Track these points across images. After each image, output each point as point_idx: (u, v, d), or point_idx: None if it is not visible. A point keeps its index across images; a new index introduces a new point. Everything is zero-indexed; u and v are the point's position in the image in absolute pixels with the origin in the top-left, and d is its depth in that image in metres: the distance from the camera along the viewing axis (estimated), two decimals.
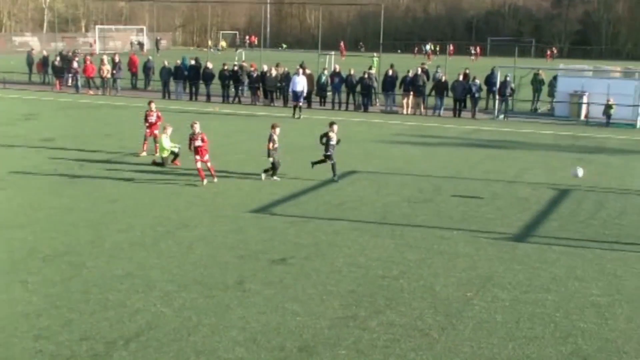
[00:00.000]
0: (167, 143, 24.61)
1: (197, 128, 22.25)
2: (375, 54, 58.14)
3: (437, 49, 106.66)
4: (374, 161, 26.35)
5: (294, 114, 38.36)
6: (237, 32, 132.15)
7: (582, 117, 40.15)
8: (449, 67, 48.23)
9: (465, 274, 14.46)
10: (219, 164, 24.23)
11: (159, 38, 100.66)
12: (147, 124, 26.50)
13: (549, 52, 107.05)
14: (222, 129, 33.70)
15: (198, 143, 21.89)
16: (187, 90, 47.48)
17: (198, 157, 21.85)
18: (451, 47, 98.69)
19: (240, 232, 16.95)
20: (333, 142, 22.71)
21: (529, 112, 43.83)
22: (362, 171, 24.41)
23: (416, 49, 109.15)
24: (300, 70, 40.50)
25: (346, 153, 27.74)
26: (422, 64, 47.15)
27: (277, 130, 22.84)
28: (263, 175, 22.66)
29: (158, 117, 26.63)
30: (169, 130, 24.85)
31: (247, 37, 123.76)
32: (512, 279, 14.27)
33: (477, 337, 11.49)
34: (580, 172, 19.10)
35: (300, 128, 33.71)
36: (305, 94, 40.01)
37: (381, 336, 11.42)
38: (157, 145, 25.79)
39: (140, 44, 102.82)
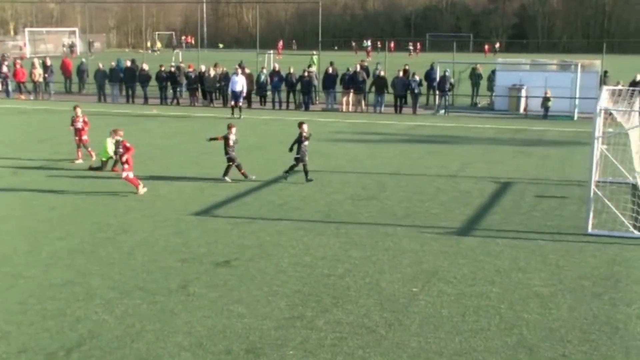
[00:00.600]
0: (111, 148, 23.81)
1: (120, 136, 21.18)
2: (314, 52, 58.14)
3: (379, 45, 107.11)
4: (316, 160, 26.21)
5: (232, 113, 38.06)
6: (173, 33, 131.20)
7: (521, 110, 40.64)
8: (390, 63, 48.48)
9: (411, 270, 14.45)
10: (159, 167, 24.00)
11: (91, 40, 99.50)
12: (74, 130, 25.77)
13: (487, 47, 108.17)
14: (161, 131, 33.40)
15: (120, 151, 20.79)
16: (124, 92, 46.89)
17: (126, 166, 20.75)
18: (392, 44, 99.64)
19: (183, 235, 16.73)
20: (306, 142, 22.35)
21: (469, 107, 44.21)
22: None
23: (355, 45, 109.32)
24: (239, 70, 40.22)
25: (288, 152, 27.64)
26: (362, 61, 47.29)
27: (234, 130, 22.58)
28: (228, 179, 22.38)
29: (85, 122, 25.79)
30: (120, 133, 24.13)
31: (183, 38, 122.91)
32: (457, 272, 14.30)
33: (424, 332, 11.47)
34: None
35: (242, 128, 33.45)
36: (244, 94, 39.68)
37: (328, 335, 11.34)
38: (90, 150, 25.29)
39: (71, 47, 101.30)
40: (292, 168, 22.48)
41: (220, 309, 12.36)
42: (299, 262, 14.85)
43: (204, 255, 15.28)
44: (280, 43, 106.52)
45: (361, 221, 18.08)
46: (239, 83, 38.66)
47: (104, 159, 24.08)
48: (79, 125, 25.59)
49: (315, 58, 56.28)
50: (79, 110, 25.92)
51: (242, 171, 22.45)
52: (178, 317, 12.02)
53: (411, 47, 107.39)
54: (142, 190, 20.69)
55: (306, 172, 22.41)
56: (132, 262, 14.78)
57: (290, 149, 22.48)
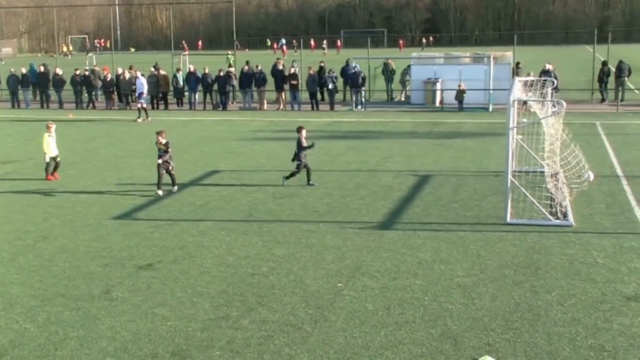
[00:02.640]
0: (51, 145, 22.83)
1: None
2: (229, 52, 57.91)
3: (296, 43, 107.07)
4: (236, 159, 26.20)
5: (138, 116, 37.87)
6: (86, 36, 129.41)
7: (437, 103, 41.04)
8: (309, 61, 48.46)
9: (334, 265, 14.51)
10: (78, 172, 23.65)
11: None
12: None
13: (401, 42, 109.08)
14: (78, 135, 32.88)
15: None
16: (37, 98, 46.05)
17: None
18: (312, 42, 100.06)
19: (104, 239, 16.51)
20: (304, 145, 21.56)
21: (386, 102, 44.52)
22: (225, 170, 24.23)
23: (275, 44, 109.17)
24: (138, 73, 40.11)
25: (208, 153, 27.55)
26: (278, 59, 47.29)
27: (161, 138, 21.17)
28: (160, 192, 20.81)
29: None
30: (52, 128, 23.12)
31: (96, 41, 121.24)
32: (380, 266, 14.41)
33: (350, 327, 11.53)
34: (591, 175, 19.32)
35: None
36: (145, 95, 39.31)
37: (254, 334, 11.32)
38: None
39: None
40: (293, 175, 21.78)
41: (144, 312, 12.25)
42: (222, 262, 14.80)
43: (126, 259, 15.11)
44: (200, 43, 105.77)
45: (283, 219, 18.09)
46: (138, 84, 38.76)
47: (50, 156, 22.94)
48: None
49: (231, 57, 56.01)
50: None
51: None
52: (102, 322, 11.86)
53: (325, 45, 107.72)
54: None
55: (309, 175, 21.79)
56: (53, 269, 14.54)
57: (294, 159, 21.89)
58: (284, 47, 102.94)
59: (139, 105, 38.34)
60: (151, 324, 11.75)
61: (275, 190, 21.22)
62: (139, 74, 39.98)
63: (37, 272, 14.42)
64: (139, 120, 37.48)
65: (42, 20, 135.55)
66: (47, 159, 23.07)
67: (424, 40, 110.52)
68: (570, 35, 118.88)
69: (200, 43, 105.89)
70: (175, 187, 21.34)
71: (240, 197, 20.41)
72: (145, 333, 11.42)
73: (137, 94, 39.05)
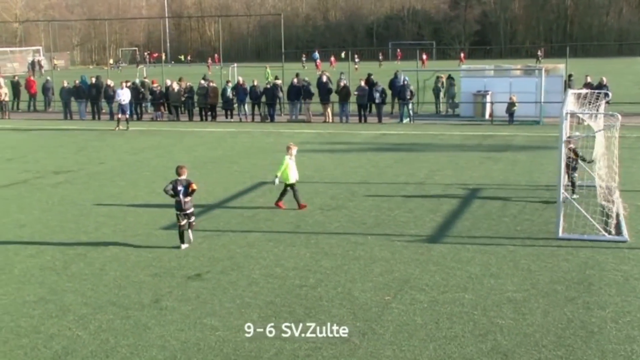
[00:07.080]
0: (292, 170, 20.33)
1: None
2: (267, 66, 58.13)
3: (355, 56, 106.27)
4: None
5: (117, 125, 39.36)
6: (136, 49, 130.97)
7: (487, 116, 40.74)
8: (359, 73, 48.40)
9: (383, 278, 14.45)
10: (128, 183, 23.84)
11: (37, 59, 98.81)
12: None
13: (462, 54, 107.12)
14: (128, 146, 33.22)
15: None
16: (89, 109, 46.65)
17: None
18: (398, 54, 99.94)
19: (153, 249, 16.63)
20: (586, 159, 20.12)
21: (435, 114, 44.31)
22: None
23: (332, 57, 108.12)
24: (124, 84, 40.91)
25: (256, 164, 27.65)
26: (323, 71, 47.37)
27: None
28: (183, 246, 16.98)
29: None
30: (294, 150, 20.48)
31: (146, 53, 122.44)
32: (429, 280, 14.32)
33: (398, 340, 11.46)
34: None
35: (209, 142, 33.46)
36: (128, 106, 40.54)
37: (302, 346, 11.30)
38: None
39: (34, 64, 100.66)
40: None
41: (193, 322, 12.30)
42: (270, 274, 14.81)
43: (175, 268, 15.21)
44: (216, 56, 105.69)
45: (331, 231, 18.07)
46: (124, 95, 39.88)
47: (287, 183, 20.47)
48: None
49: (268, 71, 56.10)
50: None
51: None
52: (152, 331, 11.94)
53: (380, 57, 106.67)
54: None
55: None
56: (104, 278, 14.68)
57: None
58: (318, 61, 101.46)
59: (119, 116, 39.60)
60: (200, 334, 11.80)
61: (322, 202, 21.21)
62: (124, 85, 40.60)
63: (89, 280, 14.57)
64: (118, 129, 39.04)
65: (94, 33, 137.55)
66: (277, 182, 20.37)
67: (539, 52, 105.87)
68: (624, 47, 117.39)
69: (216, 57, 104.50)
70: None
71: (287, 209, 20.39)
72: (194, 342, 11.47)
73: (118, 105, 40.05)
